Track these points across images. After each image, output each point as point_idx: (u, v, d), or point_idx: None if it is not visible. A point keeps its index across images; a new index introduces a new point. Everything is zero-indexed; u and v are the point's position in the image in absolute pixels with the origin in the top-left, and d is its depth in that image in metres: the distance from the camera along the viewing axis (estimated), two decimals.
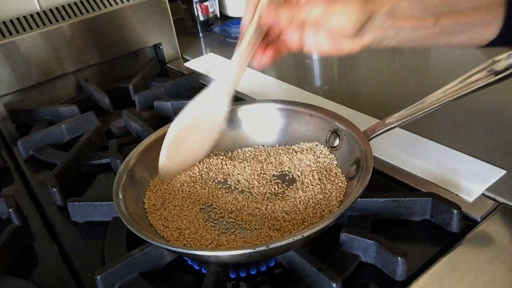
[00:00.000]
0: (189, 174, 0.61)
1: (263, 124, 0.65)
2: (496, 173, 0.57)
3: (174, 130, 0.57)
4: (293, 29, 0.47)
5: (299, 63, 0.98)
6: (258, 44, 0.50)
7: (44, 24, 0.86)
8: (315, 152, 0.60)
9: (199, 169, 0.61)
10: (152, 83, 0.92)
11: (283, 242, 0.42)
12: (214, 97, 0.56)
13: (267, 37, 0.51)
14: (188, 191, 0.58)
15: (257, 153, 0.64)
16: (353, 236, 0.47)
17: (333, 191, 0.54)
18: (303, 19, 0.44)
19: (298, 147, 0.63)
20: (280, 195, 0.56)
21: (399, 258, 0.43)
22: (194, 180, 0.60)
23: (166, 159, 0.57)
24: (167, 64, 1.03)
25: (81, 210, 0.58)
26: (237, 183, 0.59)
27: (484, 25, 0.46)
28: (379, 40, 0.46)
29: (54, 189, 0.62)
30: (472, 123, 0.67)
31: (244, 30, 0.50)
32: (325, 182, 0.56)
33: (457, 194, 0.55)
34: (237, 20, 1.16)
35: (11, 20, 0.85)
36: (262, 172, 0.60)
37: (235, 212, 0.54)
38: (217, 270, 0.44)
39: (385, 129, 0.54)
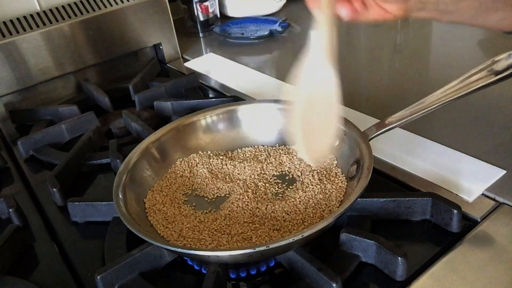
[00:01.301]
0: (190, 174, 0.61)
1: (263, 124, 0.65)
2: (496, 173, 0.57)
3: (297, 119, 0.50)
4: None
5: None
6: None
7: (44, 24, 0.86)
8: None
9: (200, 169, 0.61)
10: (152, 83, 0.92)
11: (283, 242, 0.42)
12: (317, 65, 0.51)
13: None
14: (189, 191, 0.58)
15: (257, 153, 0.64)
16: (353, 236, 0.47)
17: (333, 191, 0.54)
18: None
19: None
20: (280, 195, 0.56)
21: (399, 258, 0.43)
22: (195, 181, 0.60)
23: (306, 153, 0.50)
24: (167, 64, 1.03)
25: (81, 210, 0.58)
26: (237, 183, 0.59)
27: None
28: (420, 8, 0.46)
29: (54, 189, 0.62)
30: (472, 123, 0.67)
31: None
32: (325, 182, 0.56)
33: (457, 194, 0.55)
34: (237, 20, 1.16)
35: (11, 20, 0.85)
36: (262, 172, 0.60)
37: (235, 212, 0.54)
38: (217, 270, 0.44)
39: (385, 129, 0.54)
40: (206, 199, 0.57)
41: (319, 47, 0.49)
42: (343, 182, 0.55)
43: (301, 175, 0.58)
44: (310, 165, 0.59)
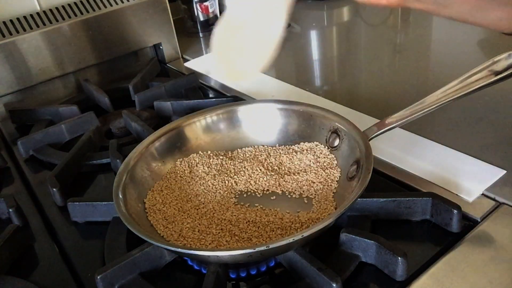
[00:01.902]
0: (190, 174, 0.61)
1: (263, 124, 0.65)
2: (496, 173, 0.56)
3: (227, 25, 0.48)
4: None
5: (299, 63, 0.98)
6: None
7: (44, 24, 0.86)
8: (315, 152, 0.61)
9: (200, 169, 0.61)
10: (152, 83, 0.92)
11: (283, 242, 0.42)
12: None
13: None
14: (188, 191, 0.58)
15: (257, 153, 0.64)
16: (353, 236, 0.47)
17: (330, 192, 0.54)
18: None
19: (298, 147, 0.63)
20: (280, 195, 0.56)
21: (399, 258, 0.43)
22: (195, 181, 0.60)
23: (222, 64, 0.49)
24: (167, 64, 1.03)
25: (81, 210, 0.58)
26: (237, 183, 0.59)
27: None
28: None
29: (54, 189, 0.62)
30: (472, 123, 0.67)
31: None
32: (324, 181, 0.56)
33: (457, 194, 0.55)
34: None
35: (11, 20, 0.85)
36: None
37: (235, 212, 0.54)
38: (217, 270, 0.44)
39: (385, 129, 0.54)
40: (206, 199, 0.57)
41: None
42: (340, 181, 0.55)
43: (301, 175, 0.58)
44: (310, 165, 0.59)
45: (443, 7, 0.47)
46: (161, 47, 1.02)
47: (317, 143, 0.62)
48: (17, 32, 0.84)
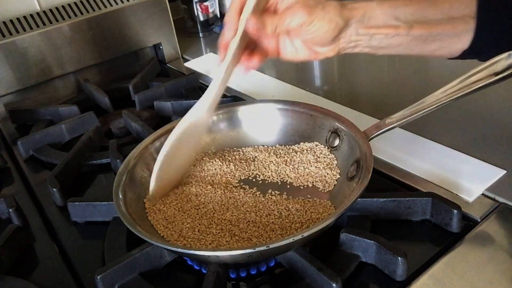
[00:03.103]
0: (190, 175, 0.61)
1: (263, 124, 0.65)
2: (496, 173, 0.57)
3: (161, 158, 0.54)
4: (272, 37, 0.48)
5: (299, 63, 0.98)
6: (242, 53, 0.50)
7: (44, 24, 0.86)
8: (315, 152, 0.60)
9: (200, 169, 0.61)
10: (152, 83, 0.92)
11: (283, 242, 0.42)
12: (199, 114, 0.54)
13: (249, 44, 0.51)
14: (189, 192, 0.58)
15: (257, 153, 0.64)
16: (353, 236, 0.47)
17: (327, 192, 0.54)
18: (285, 28, 0.45)
19: (298, 147, 0.63)
20: (280, 195, 0.56)
21: (399, 258, 0.43)
22: (195, 181, 0.60)
23: (155, 185, 0.55)
24: (167, 64, 1.03)
25: (81, 210, 0.58)
26: (237, 183, 0.59)
27: (455, 36, 0.48)
28: (352, 46, 0.48)
29: (54, 189, 0.62)
30: (472, 123, 0.67)
31: (227, 40, 0.50)
32: (322, 182, 0.56)
33: (457, 194, 0.55)
34: None
35: (11, 20, 0.85)
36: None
37: (235, 211, 0.54)
38: (217, 270, 0.44)
39: (385, 129, 0.54)
40: (206, 199, 0.57)
41: (208, 93, 0.53)
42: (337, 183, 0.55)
43: (300, 175, 0.58)
44: (308, 167, 0.59)
45: (380, 49, 0.49)
46: (161, 47, 1.02)
47: (317, 143, 0.62)
48: (17, 32, 0.84)
